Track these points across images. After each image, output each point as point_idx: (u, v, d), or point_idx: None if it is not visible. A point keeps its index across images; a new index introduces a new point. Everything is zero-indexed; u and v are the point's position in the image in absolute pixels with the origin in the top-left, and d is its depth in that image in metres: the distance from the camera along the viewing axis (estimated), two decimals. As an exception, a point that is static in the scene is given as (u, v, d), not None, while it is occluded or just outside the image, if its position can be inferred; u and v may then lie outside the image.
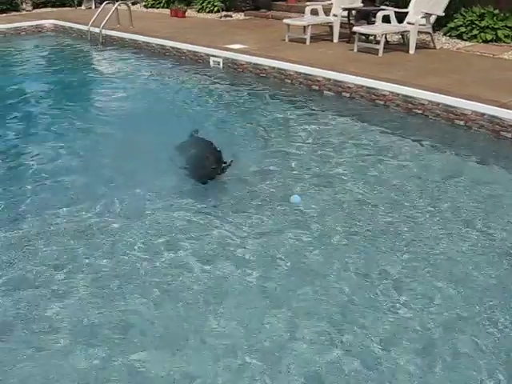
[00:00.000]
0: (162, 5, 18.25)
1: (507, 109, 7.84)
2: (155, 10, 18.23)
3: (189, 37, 12.93)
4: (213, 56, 11.65)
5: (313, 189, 6.26)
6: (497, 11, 11.94)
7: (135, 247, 5.07)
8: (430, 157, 7.25)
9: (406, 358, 3.78)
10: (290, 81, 10.24)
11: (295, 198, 5.99)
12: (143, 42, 13.42)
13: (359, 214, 5.68)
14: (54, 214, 5.63)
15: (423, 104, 8.48)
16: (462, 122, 8.07)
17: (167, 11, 17.23)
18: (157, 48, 13.07)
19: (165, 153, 6.70)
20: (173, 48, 12.69)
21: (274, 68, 10.52)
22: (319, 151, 7.33)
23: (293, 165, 6.90)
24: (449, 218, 5.63)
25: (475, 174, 6.76)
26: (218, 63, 11.49)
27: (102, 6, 14.77)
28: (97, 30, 14.09)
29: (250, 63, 10.93)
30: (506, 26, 11.86)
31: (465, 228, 5.41)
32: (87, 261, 4.89)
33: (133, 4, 16.58)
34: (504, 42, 11.79)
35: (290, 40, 12.26)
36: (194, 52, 12.14)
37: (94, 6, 18.36)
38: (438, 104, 8.33)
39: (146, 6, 18.67)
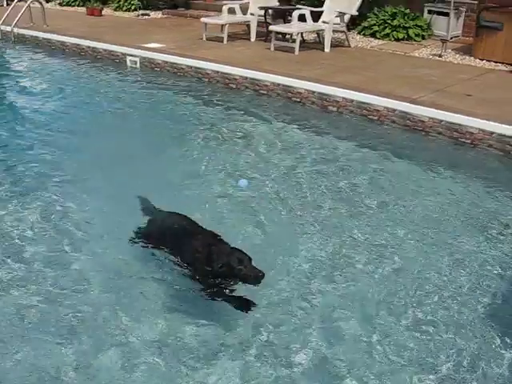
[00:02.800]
0: (77, 3, 17.80)
1: (417, 104, 8.12)
2: (70, 8, 17.74)
3: (105, 36, 12.66)
4: (130, 55, 11.45)
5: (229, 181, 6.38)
6: (408, 11, 12.36)
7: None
8: (344, 150, 7.45)
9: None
10: (207, 79, 10.20)
11: (242, 182, 6.18)
12: (57, 41, 13.02)
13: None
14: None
15: (338, 101, 8.65)
16: (375, 118, 8.30)
17: (83, 9, 16.84)
18: (72, 47, 12.72)
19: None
20: (88, 47, 12.38)
21: (191, 67, 10.45)
22: (235, 147, 7.47)
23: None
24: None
25: (388, 165, 7.01)
26: (135, 63, 11.31)
27: (14, 3, 14.25)
28: (8, 28, 13.59)
29: (167, 62, 10.82)
30: (417, 25, 12.28)
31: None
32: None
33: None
34: (415, 40, 12.21)
35: (208, 39, 12.23)
36: (111, 51, 11.89)
37: (5, 4, 17.64)
38: (352, 101, 8.52)
39: (60, 4, 18.15)
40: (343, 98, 8.61)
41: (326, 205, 5.94)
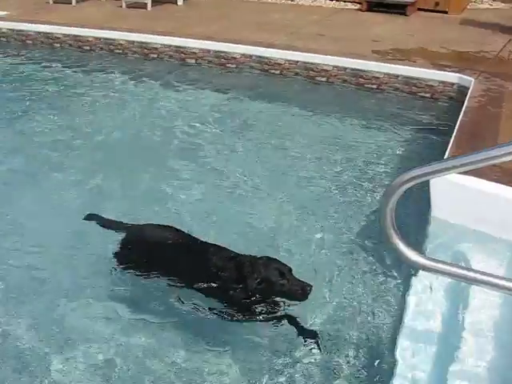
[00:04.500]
0: None
1: (273, 48, 8.21)
2: None
3: None
4: (-30, 27, 10.64)
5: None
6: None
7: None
8: (207, 100, 7.42)
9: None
10: (59, 44, 9.71)
11: None
12: None
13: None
14: None
15: (195, 53, 8.57)
16: (233, 65, 8.32)
17: None
18: None
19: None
20: None
21: (40, 33, 9.89)
22: (96, 109, 7.23)
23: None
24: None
25: (249, 107, 7.17)
26: (-23, 34, 10.53)
27: None
28: None
29: (13, 30, 10.15)
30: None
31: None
32: None
33: None
34: (267, -14, 12.27)
35: (55, 2, 11.57)
36: None
37: None
38: (209, 51, 8.47)
39: None
40: (200, 49, 8.54)
41: (201, 153, 5.96)
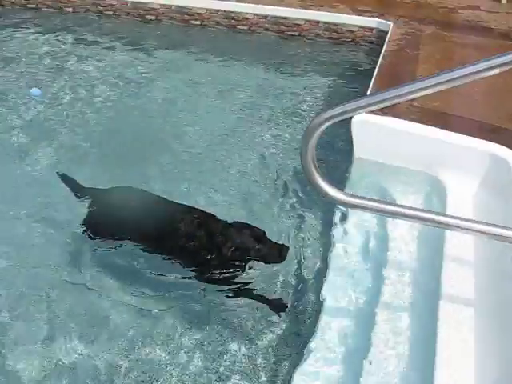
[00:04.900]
0: None
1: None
2: None
3: None
4: None
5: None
6: None
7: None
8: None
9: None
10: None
11: (35, 91, 6.00)
12: None
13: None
14: None
15: (113, 4, 8.28)
16: (153, 17, 8.14)
17: None
18: None
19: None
20: None
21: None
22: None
23: None
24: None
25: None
26: None
27: None
28: None
29: None
30: None
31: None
32: None
33: None
34: None
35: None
36: None
37: None
38: (127, 3, 8.23)
39: None
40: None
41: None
